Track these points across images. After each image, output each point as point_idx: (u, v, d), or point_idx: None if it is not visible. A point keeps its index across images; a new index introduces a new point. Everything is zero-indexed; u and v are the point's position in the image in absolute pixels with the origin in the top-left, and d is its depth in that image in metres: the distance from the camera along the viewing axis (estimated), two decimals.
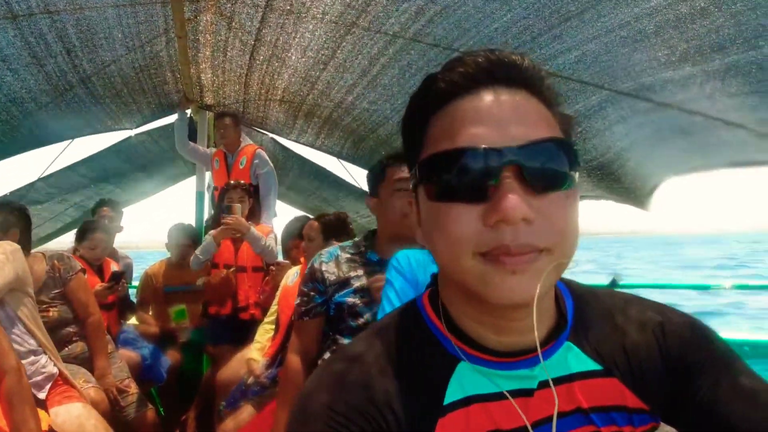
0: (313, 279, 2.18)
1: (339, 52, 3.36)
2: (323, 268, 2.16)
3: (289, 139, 5.78)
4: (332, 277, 2.15)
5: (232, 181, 4.43)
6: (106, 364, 3.27)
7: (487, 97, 0.71)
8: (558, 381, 0.79)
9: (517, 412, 0.77)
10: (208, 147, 5.70)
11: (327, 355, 2.16)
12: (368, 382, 0.76)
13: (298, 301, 2.23)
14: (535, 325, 0.73)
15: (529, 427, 0.76)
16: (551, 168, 0.68)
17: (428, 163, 0.73)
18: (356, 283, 2.12)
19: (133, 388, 3.39)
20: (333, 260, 2.18)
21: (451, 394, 0.78)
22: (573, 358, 0.82)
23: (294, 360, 2.19)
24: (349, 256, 2.19)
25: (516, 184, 0.66)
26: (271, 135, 6.00)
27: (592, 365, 0.82)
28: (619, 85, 2.64)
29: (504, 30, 2.58)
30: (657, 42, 2.40)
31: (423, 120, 0.78)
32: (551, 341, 0.81)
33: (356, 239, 2.30)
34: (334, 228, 3.12)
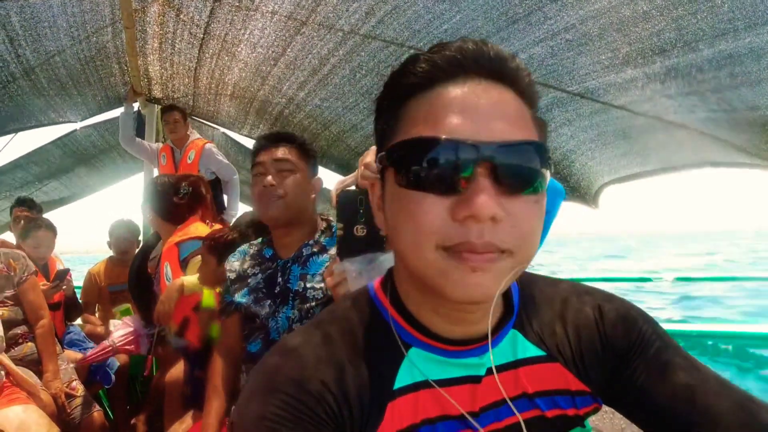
0: (224, 278, 2.13)
1: (290, 49, 3.32)
2: (229, 268, 2.09)
3: (241, 134, 5.69)
4: (233, 276, 2.07)
5: (197, 174, 4.31)
6: (56, 368, 3.18)
7: (472, 88, 0.69)
8: (504, 368, 0.82)
9: (465, 398, 0.79)
10: (157, 141, 5.55)
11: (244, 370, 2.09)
12: (303, 374, 0.75)
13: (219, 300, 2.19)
14: (490, 321, 0.76)
15: (467, 416, 0.78)
16: (525, 170, 0.67)
17: (402, 148, 0.71)
18: (251, 282, 2.03)
19: (80, 391, 3.29)
20: (241, 258, 2.10)
21: (401, 380, 0.79)
22: (518, 346, 0.84)
23: (217, 362, 2.12)
24: (253, 251, 2.11)
25: (489, 182, 0.65)
26: (222, 129, 5.91)
27: (536, 351, 0.84)
28: (565, 88, 2.69)
29: (453, 31, 2.60)
30: (601, 45, 2.46)
31: (401, 101, 0.75)
32: (498, 330, 0.83)
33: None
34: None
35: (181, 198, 3.03)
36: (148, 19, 3.85)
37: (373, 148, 1.22)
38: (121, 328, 3.40)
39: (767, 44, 2.36)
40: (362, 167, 1.28)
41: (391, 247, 1.58)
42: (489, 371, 0.80)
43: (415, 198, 0.68)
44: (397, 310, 0.82)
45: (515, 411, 0.80)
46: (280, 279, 1.97)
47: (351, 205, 1.26)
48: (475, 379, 0.80)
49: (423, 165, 0.67)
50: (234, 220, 4.39)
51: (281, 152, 1.97)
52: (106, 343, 3.39)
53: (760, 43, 2.36)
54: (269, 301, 1.97)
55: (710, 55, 2.48)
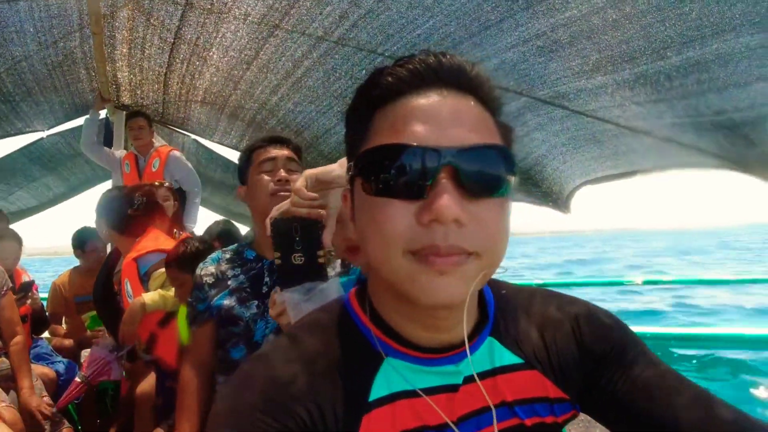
0: (195, 287, 2.05)
1: (262, 52, 3.30)
2: (202, 273, 2.04)
3: (213, 141, 5.62)
4: (211, 279, 2.03)
5: (156, 182, 4.23)
6: (32, 384, 3.10)
7: (434, 98, 0.71)
8: (482, 376, 0.81)
9: (443, 407, 0.78)
10: (126, 149, 5.44)
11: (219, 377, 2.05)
12: (275, 386, 0.74)
13: (187, 311, 2.14)
14: (465, 326, 0.76)
15: (451, 424, 0.77)
16: (488, 174, 0.69)
17: (367, 157, 0.73)
18: (233, 284, 2.00)
19: (50, 406, 3.21)
20: (215, 264, 2.07)
21: (377, 391, 0.77)
22: (495, 353, 0.84)
23: (187, 372, 2.07)
24: (229, 256, 2.08)
25: (451, 186, 0.66)
26: (193, 136, 5.82)
27: (514, 359, 0.84)
28: (536, 93, 2.73)
29: (426, 36, 2.61)
30: (571, 52, 2.50)
31: (368, 113, 0.77)
32: (475, 337, 0.82)
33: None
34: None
35: (136, 210, 2.96)
36: (117, 24, 3.79)
37: (306, 172, 1.23)
38: (90, 360, 3.34)
39: (734, 50, 2.42)
40: (293, 194, 1.24)
41: (363, 257, 1.58)
42: (466, 379, 0.80)
43: (382, 205, 0.69)
44: (372, 320, 0.82)
45: (495, 420, 0.79)
46: (267, 279, 1.95)
47: (286, 233, 1.24)
48: (453, 388, 0.79)
49: (387, 172, 0.69)
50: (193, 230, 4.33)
51: (289, 152, 2.02)
52: (77, 380, 3.34)
53: (727, 49, 2.41)
54: (256, 302, 1.94)
55: (678, 62, 2.53)
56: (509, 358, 0.84)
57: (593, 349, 0.85)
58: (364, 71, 2.94)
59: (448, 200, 0.65)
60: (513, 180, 0.72)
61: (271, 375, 0.75)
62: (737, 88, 2.64)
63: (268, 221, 1.28)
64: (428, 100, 0.71)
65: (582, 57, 2.51)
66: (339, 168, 1.23)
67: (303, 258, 1.25)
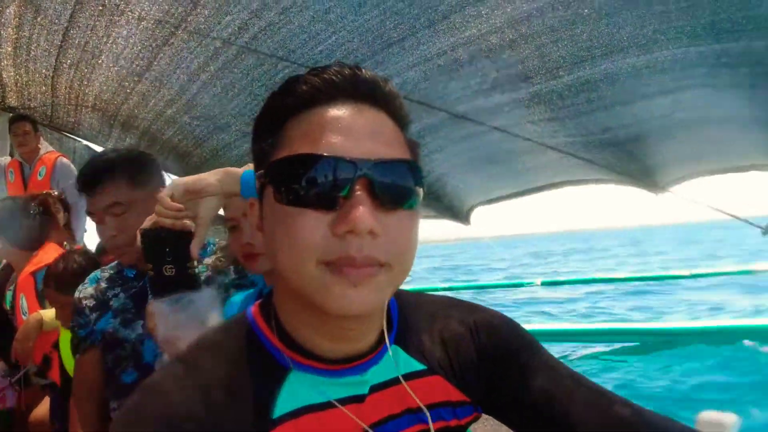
0: (75, 311, 1.93)
1: (156, 63, 3.13)
2: (81, 296, 1.91)
3: (106, 147, 5.27)
4: (91, 302, 1.89)
5: (45, 192, 3.92)
6: None
7: (349, 110, 0.71)
8: (388, 383, 0.81)
9: (350, 420, 0.77)
10: (12, 155, 5.02)
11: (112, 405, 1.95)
12: (167, 413, 0.70)
13: (71, 338, 2.02)
14: (386, 336, 0.78)
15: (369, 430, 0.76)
16: (400, 187, 0.69)
17: (281, 165, 0.71)
18: (115, 305, 1.88)
19: None
20: (93, 284, 1.96)
21: (282, 406, 0.75)
22: (400, 361, 0.84)
23: (77, 404, 1.95)
24: (108, 275, 1.94)
25: (366, 197, 0.66)
26: (85, 142, 5.46)
27: (417, 366, 0.85)
28: (436, 113, 2.78)
29: (329, 52, 2.59)
30: (470, 71, 2.56)
31: (280, 121, 0.75)
32: (379, 346, 0.82)
33: None
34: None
35: (32, 220, 2.75)
36: (2, 20, 3.50)
37: (174, 181, 1.20)
38: None
39: (620, 70, 2.58)
40: (158, 203, 1.19)
41: (262, 265, 1.54)
42: (372, 389, 0.79)
43: (295, 214, 0.68)
44: (277, 333, 0.79)
45: (400, 427, 0.79)
46: (151, 296, 1.85)
47: (157, 243, 1.21)
48: (360, 398, 0.78)
49: (302, 182, 0.68)
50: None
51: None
52: None
53: (615, 69, 2.57)
54: (142, 322, 1.83)
55: (570, 81, 2.67)
56: (413, 364, 0.85)
57: (491, 354, 0.88)
58: (264, 87, 2.87)
59: (363, 212, 0.65)
60: (421, 193, 0.73)
61: (165, 412, 0.70)
62: (623, 106, 2.82)
63: (138, 232, 1.23)
64: (344, 112, 0.71)
65: (481, 76, 2.59)
66: (210, 177, 1.21)
67: (174, 269, 1.22)
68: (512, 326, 0.92)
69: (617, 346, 7.00)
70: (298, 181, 0.68)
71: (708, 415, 1.62)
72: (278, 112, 0.76)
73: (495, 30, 2.39)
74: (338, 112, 0.71)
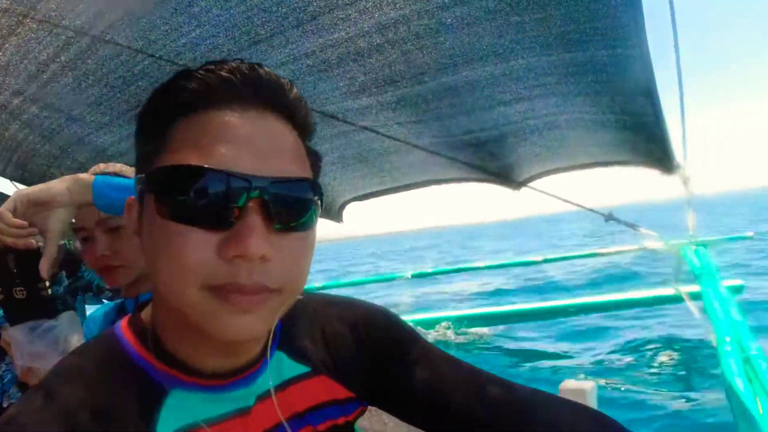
0: None
1: (1, 53, 2.81)
2: None
3: None
4: None
5: None
6: None
7: (248, 117, 0.64)
8: (274, 391, 0.79)
9: None
10: None
11: None
12: None
13: None
14: (269, 345, 0.76)
15: None
16: (298, 207, 0.65)
17: (165, 174, 0.64)
18: None
19: None
20: None
21: (163, 429, 0.69)
22: (284, 366, 0.83)
23: None
24: None
25: (260, 219, 0.61)
26: None
27: (301, 369, 0.84)
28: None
29: (192, 46, 2.48)
30: (339, 73, 2.59)
31: (167, 120, 0.67)
32: (263, 355, 0.79)
33: None
34: None
35: None
36: None
37: (15, 193, 1.09)
38: None
39: (480, 78, 2.72)
40: None
41: (124, 278, 1.45)
42: (257, 399, 0.77)
43: (179, 231, 0.62)
44: (153, 350, 0.73)
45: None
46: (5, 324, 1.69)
47: (0, 265, 1.11)
48: (245, 411, 0.76)
49: (189, 196, 0.61)
50: None
51: None
52: None
53: (475, 76, 2.71)
54: None
55: (434, 87, 2.77)
56: (297, 368, 0.84)
57: (370, 348, 0.89)
58: (121, 79, 2.69)
59: (257, 236, 0.60)
60: (319, 211, 0.69)
61: None
62: (483, 111, 2.99)
63: None
64: (241, 118, 0.64)
65: (349, 78, 2.62)
66: (58, 185, 1.11)
67: (24, 291, 1.12)
68: (390, 318, 0.93)
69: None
70: (184, 194, 0.61)
71: (570, 383, 1.84)
72: (165, 111, 0.68)
73: (363, 34, 2.42)
74: (235, 119, 0.64)
